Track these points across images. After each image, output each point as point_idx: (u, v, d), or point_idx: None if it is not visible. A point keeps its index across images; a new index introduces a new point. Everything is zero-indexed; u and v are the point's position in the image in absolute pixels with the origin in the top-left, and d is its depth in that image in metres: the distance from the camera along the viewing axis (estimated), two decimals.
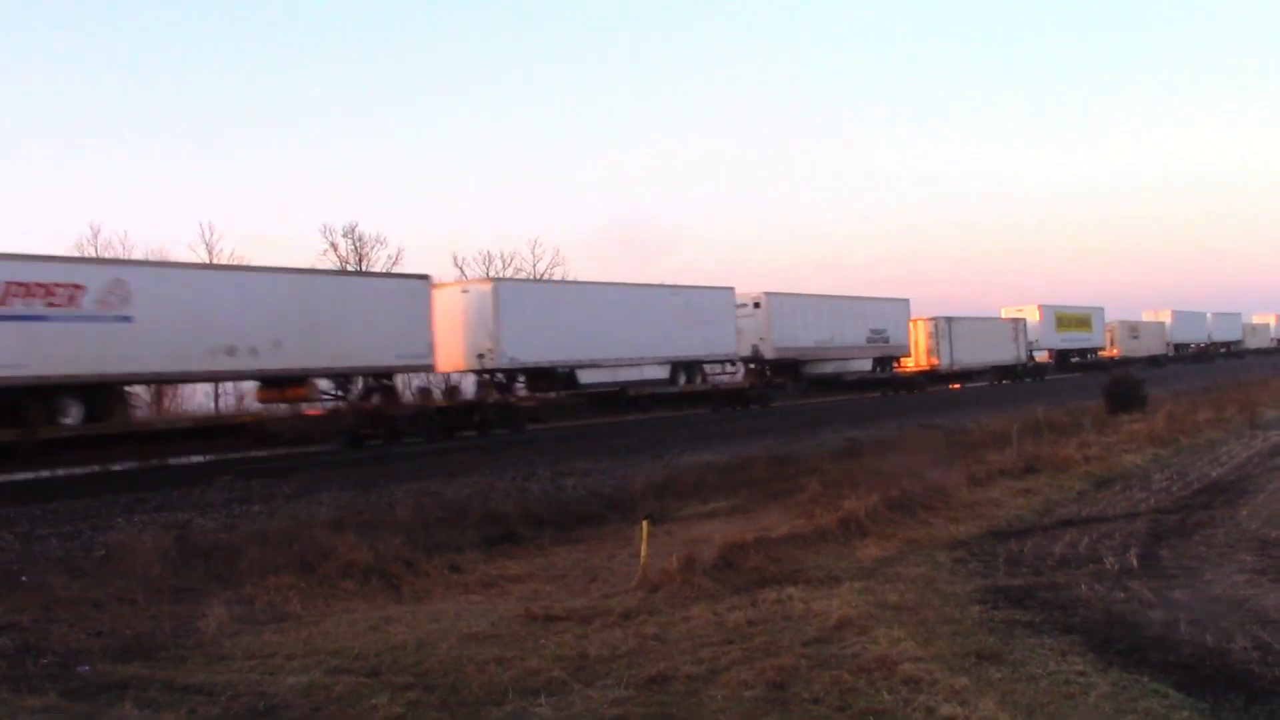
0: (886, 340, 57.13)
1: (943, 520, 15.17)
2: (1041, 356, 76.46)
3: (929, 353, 61.99)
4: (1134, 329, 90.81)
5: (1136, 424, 28.12)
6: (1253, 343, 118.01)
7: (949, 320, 63.49)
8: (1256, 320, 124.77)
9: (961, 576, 11.44)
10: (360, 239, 68.17)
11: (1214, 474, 19.42)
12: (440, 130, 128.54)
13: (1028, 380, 69.70)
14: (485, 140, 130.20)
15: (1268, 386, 41.93)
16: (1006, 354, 68.81)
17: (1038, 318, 74.82)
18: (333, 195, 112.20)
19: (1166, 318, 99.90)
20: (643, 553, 11.77)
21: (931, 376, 62.28)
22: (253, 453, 30.78)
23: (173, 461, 29.11)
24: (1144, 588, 10.39)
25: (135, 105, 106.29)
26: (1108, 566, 11.51)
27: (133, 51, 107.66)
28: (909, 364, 61.15)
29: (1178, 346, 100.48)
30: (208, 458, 30.12)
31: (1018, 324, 71.24)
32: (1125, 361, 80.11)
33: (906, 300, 59.83)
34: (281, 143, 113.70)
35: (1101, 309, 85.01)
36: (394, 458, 28.55)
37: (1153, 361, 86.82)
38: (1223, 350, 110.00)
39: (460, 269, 73.22)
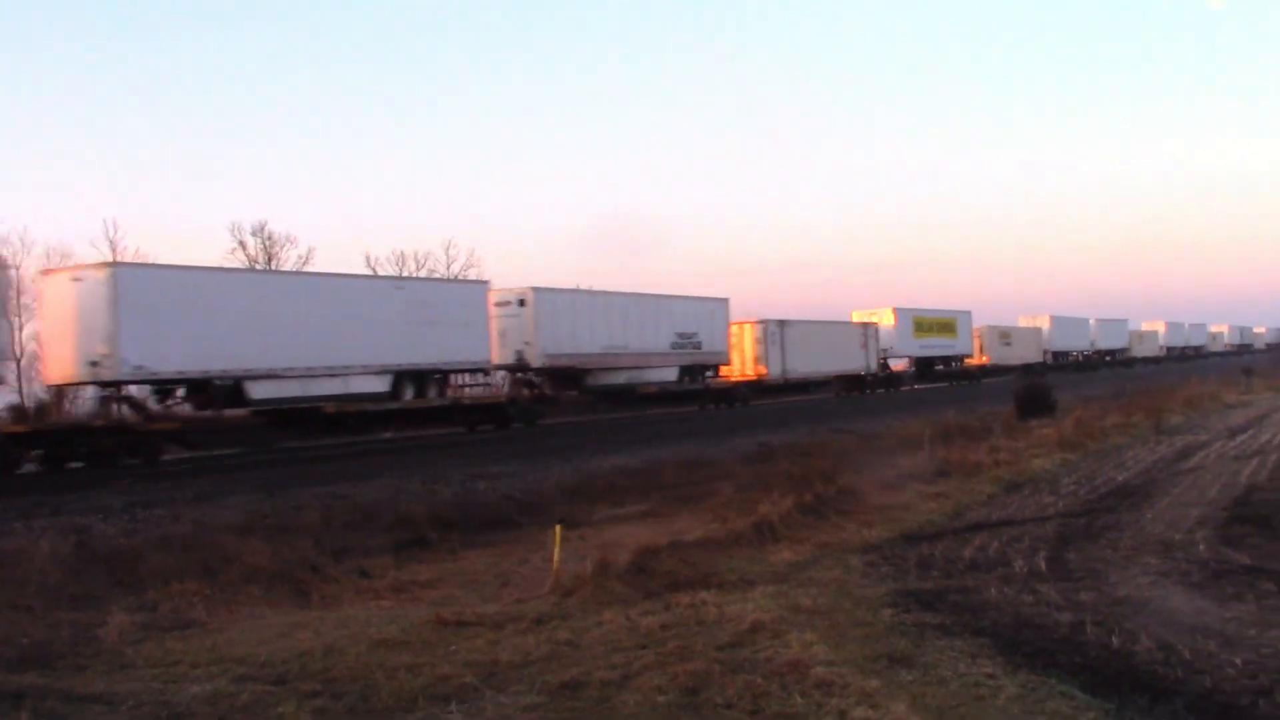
0: (698, 346, 48.69)
1: (855, 524, 15.26)
2: (899, 365, 70.35)
3: (756, 361, 54.43)
4: (1005, 335, 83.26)
5: (1046, 429, 28.56)
6: (1140, 351, 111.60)
7: (781, 324, 56.27)
8: (1145, 327, 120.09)
9: (873, 580, 11.50)
10: (270, 238, 67.14)
11: (1120, 478, 19.77)
12: (356, 127, 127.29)
13: (879, 391, 64.07)
14: (405, 136, 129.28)
15: (1174, 394, 42.85)
16: (853, 362, 62.31)
17: (892, 322, 67.83)
18: (242, 193, 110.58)
19: (1044, 323, 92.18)
20: (555, 557, 11.69)
21: (758, 388, 54.93)
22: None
23: (72, 466, 28.34)
24: (1052, 590, 10.51)
25: (33, 99, 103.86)
26: (1016, 570, 11.64)
27: (29, 43, 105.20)
28: (731, 373, 53.40)
29: (1057, 355, 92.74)
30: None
31: (868, 329, 64.71)
32: (995, 370, 77.65)
33: (725, 300, 51.84)
34: (188, 139, 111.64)
35: (968, 313, 77.87)
36: (305, 459, 28.11)
37: (1027, 370, 76.37)
38: (1107, 359, 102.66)
39: (373, 269, 72.48)
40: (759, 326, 54.76)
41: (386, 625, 10.06)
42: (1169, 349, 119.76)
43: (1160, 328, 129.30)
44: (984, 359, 78.24)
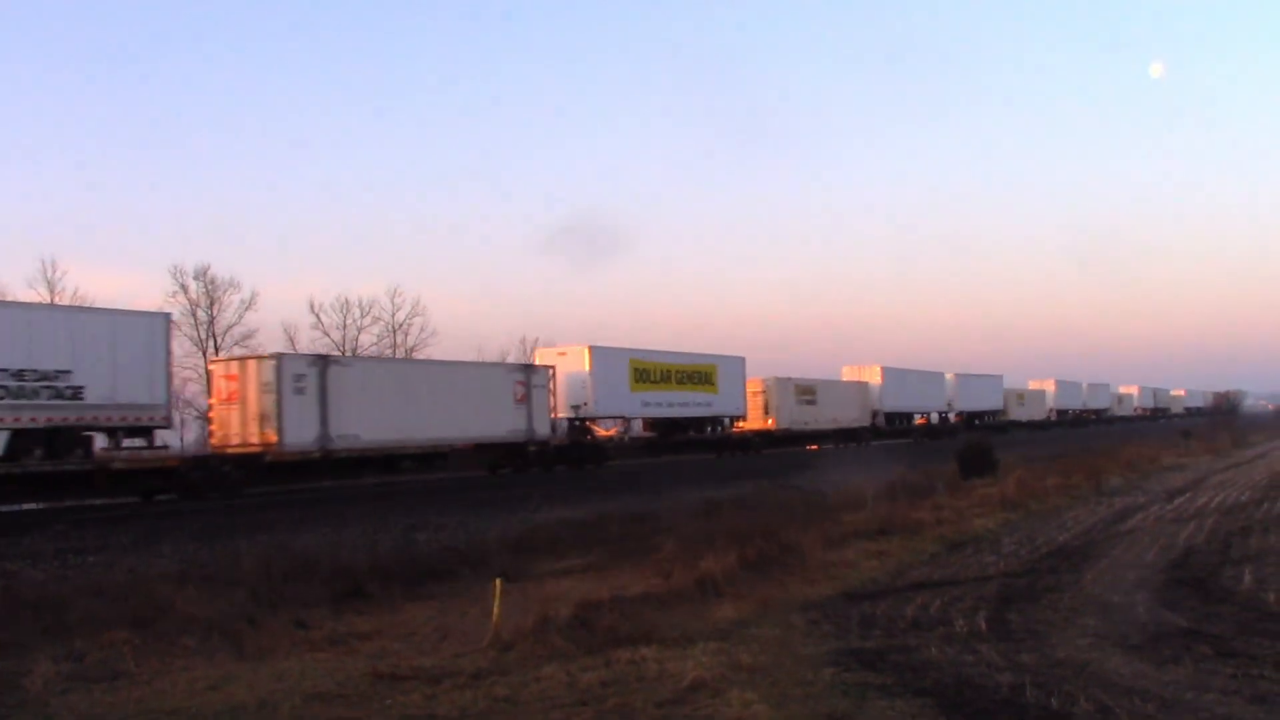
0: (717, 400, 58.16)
1: (798, 581, 15.23)
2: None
3: (765, 413, 62.55)
4: (1021, 396, 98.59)
5: (988, 488, 28.73)
6: (1119, 410, 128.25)
7: (789, 381, 65.03)
8: (1123, 390, 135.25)
9: (815, 638, 11.45)
10: (212, 282, 66.64)
11: (1061, 539, 19.89)
12: (301, 175, 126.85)
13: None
14: (351, 184, 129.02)
15: (1114, 454, 43.33)
16: (856, 416, 70.37)
17: (878, 379, 75.41)
18: (183, 235, 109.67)
19: (1051, 386, 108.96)
20: (495, 611, 11.56)
21: (768, 438, 62.12)
22: (90, 500, 29.53)
23: (2, 509, 27.80)
24: (993, 651, 10.51)
25: None
26: (958, 629, 11.64)
27: None
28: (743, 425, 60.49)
29: (1060, 412, 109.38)
30: (41, 505, 28.81)
31: (865, 387, 73.32)
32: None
33: (742, 358, 60.36)
34: (130, 179, 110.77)
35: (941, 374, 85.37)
36: (245, 508, 27.73)
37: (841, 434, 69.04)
38: (1093, 416, 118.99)
39: (317, 316, 72.07)
40: (770, 382, 62.61)
41: (322, 678, 9.90)
42: (1060, 411, 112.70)
43: (1135, 391, 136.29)
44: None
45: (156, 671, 10.39)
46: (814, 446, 66.88)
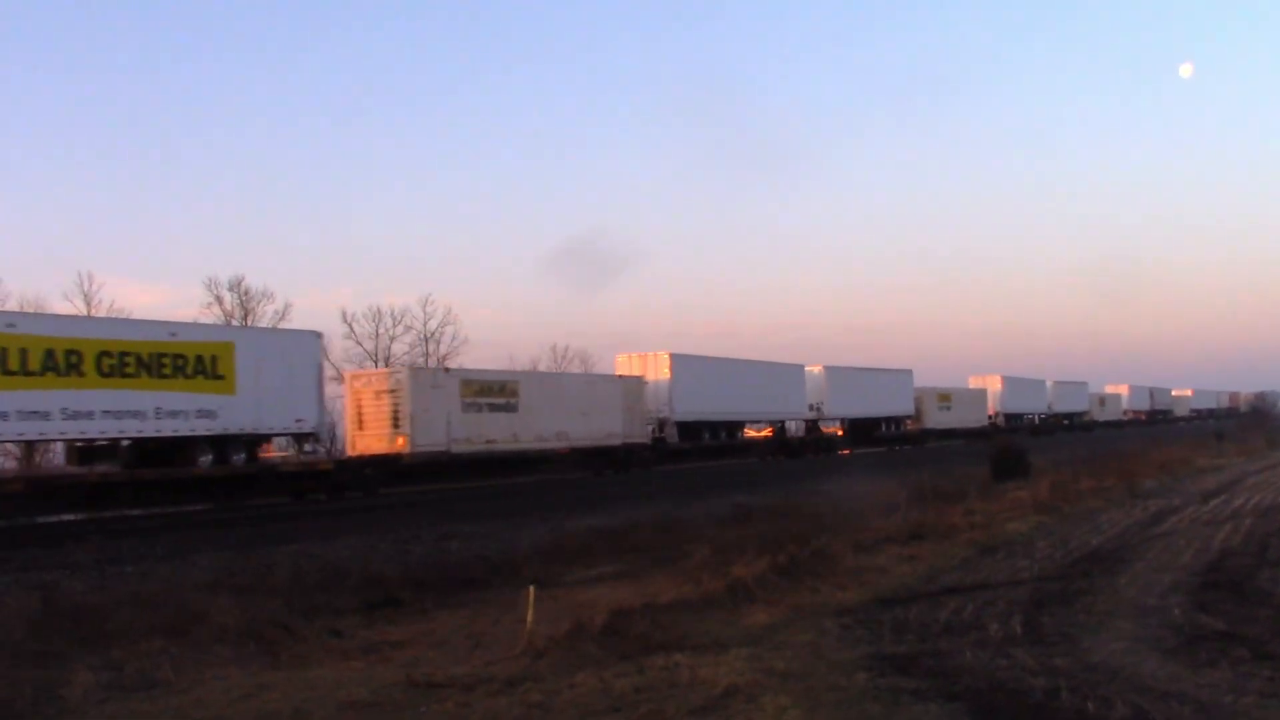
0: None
1: (830, 587, 15.19)
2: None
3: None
4: (944, 397, 77.78)
5: (1020, 492, 28.57)
6: (1102, 415, 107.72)
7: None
8: (1108, 390, 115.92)
9: (848, 643, 11.43)
10: (246, 293, 67.06)
11: (1095, 542, 19.77)
12: (334, 183, 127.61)
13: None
14: (382, 191, 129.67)
15: (1146, 457, 43.06)
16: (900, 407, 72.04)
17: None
18: (218, 247, 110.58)
19: (995, 383, 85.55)
20: (528, 618, 11.59)
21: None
22: (126, 511, 29.86)
23: (40, 519, 28.10)
24: (1027, 655, 10.46)
25: (7, 150, 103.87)
26: (991, 634, 11.59)
27: (3, 94, 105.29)
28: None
29: (1009, 417, 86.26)
30: (78, 516, 29.13)
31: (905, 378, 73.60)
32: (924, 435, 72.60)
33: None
34: (163, 192, 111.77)
35: (909, 371, 75.27)
36: (276, 517, 27.92)
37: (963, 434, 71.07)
38: (1065, 422, 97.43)
39: (350, 325, 72.43)
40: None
41: (356, 687, 9.94)
42: (1009, 415, 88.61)
43: (1124, 391, 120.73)
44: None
45: (193, 680, 10.46)
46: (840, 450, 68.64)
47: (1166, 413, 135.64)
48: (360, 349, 73.26)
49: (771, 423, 62.98)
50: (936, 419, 75.60)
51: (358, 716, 8.82)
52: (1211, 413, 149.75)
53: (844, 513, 24.23)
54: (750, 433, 61.29)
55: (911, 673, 9.84)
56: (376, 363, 68.67)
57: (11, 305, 49.90)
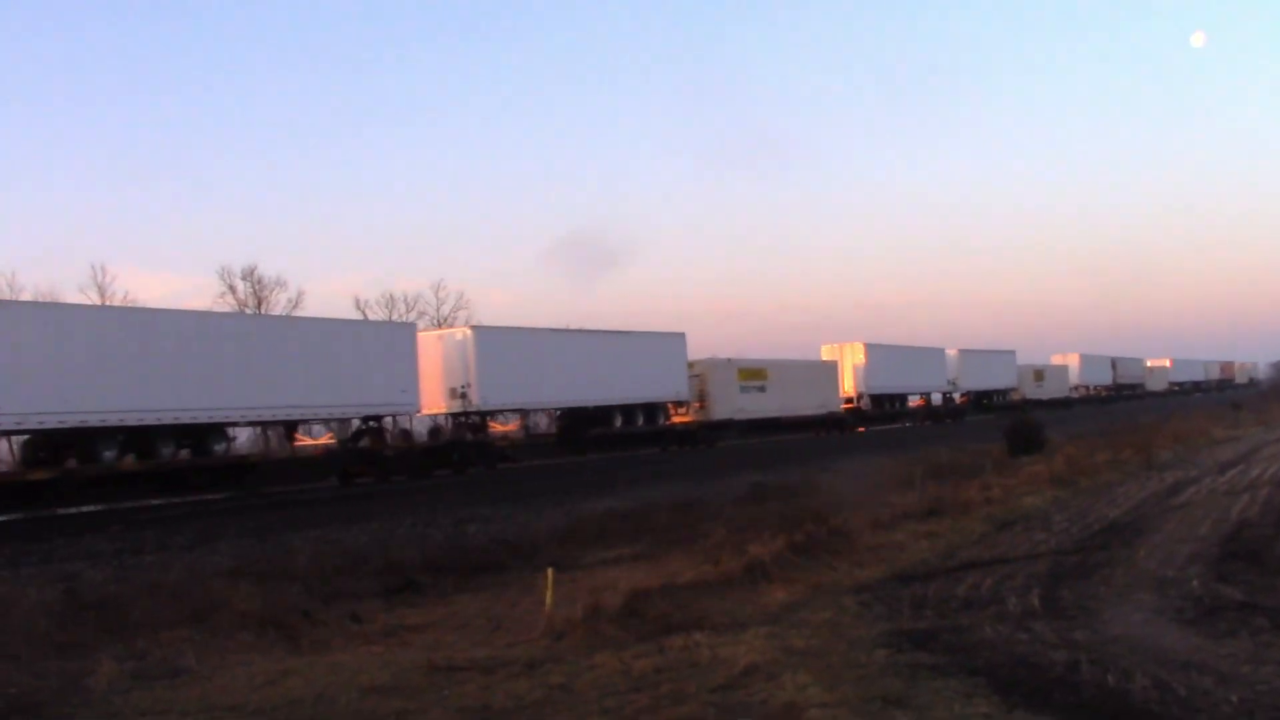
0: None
1: (847, 564, 15.21)
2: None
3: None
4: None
5: (1036, 466, 28.53)
6: (1038, 392, 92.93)
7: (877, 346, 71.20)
8: (1053, 361, 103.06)
9: (866, 620, 11.44)
10: (259, 281, 67.19)
11: (1112, 515, 19.74)
12: (344, 170, 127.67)
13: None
14: (391, 179, 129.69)
15: (1163, 429, 42.95)
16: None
17: None
18: (230, 236, 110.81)
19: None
20: (547, 601, 11.63)
21: (860, 415, 69.97)
22: (147, 501, 30.05)
23: (61, 511, 28.27)
24: (1046, 629, 10.47)
25: (20, 143, 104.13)
26: (1010, 608, 11.59)
27: (16, 86, 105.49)
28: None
29: (875, 398, 72.53)
30: (99, 506, 29.30)
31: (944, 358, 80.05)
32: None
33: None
34: (175, 181, 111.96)
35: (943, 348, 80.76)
36: (294, 503, 28.06)
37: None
38: (989, 401, 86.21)
39: (362, 312, 72.60)
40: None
41: (377, 671, 9.98)
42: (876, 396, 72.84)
43: (1074, 361, 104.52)
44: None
45: (216, 667, 10.52)
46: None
47: (1135, 387, 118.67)
48: None
49: (924, 394, 78.51)
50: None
51: (380, 700, 8.86)
52: (1197, 385, 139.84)
53: (861, 489, 24.26)
54: (911, 403, 77.53)
55: (931, 648, 9.85)
56: None
57: (26, 298, 50.05)
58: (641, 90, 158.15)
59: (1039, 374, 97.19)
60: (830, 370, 67.12)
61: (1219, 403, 71.70)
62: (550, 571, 12.06)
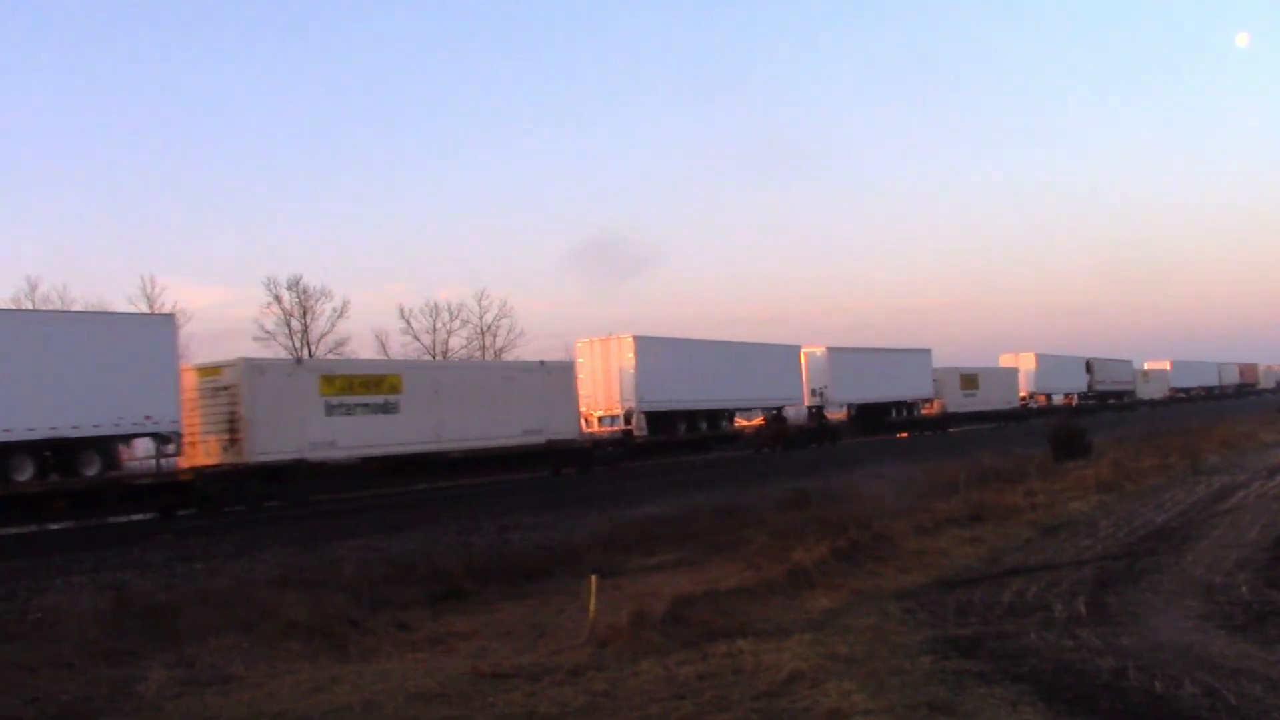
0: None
1: (891, 570, 15.16)
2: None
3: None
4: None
5: (1082, 471, 28.32)
6: (963, 403, 73.80)
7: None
8: (1002, 362, 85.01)
9: (911, 627, 11.42)
10: (305, 291, 67.77)
11: (1159, 520, 19.58)
12: (389, 182, 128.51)
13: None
14: (434, 189, 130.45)
15: (1210, 434, 42.51)
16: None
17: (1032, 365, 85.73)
18: (275, 247, 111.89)
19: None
20: (591, 608, 11.66)
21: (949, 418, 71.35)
22: (193, 510, 30.34)
23: (111, 520, 28.61)
24: (1092, 635, 10.41)
25: (71, 157, 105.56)
26: (1056, 614, 11.53)
27: (68, 101, 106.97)
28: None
29: (864, 408, 64.72)
30: (147, 516, 29.62)
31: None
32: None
33: (928, 350, 70.77)
34: (222, 194, 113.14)
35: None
36: (339, 512, 28.26)
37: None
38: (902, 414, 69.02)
39: (407, 321, 73.07)
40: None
41: (424, 678, 10.05)
42: (866, 406, 65.18)
43: (1031, 363, 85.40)
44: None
45: (265, 675, 10.63)
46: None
47: (1123, 394, 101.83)
48: (418, 343, 73.99)
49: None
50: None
51: (426, 708, 8.92)
52: (1210, 392, 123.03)
53: (904, 495, 24.16)
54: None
55: (976, 655, 9.81)
56: (434, 357, 70.03)
57: (77, 309, 50.66)
58: (660, 98, 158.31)
59: (970, 379, 74.72)
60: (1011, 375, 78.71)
61: (1228, 412, 66.03)
62: (594, 578, 12.09)
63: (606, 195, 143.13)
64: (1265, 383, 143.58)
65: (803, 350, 59.01)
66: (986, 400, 76.19)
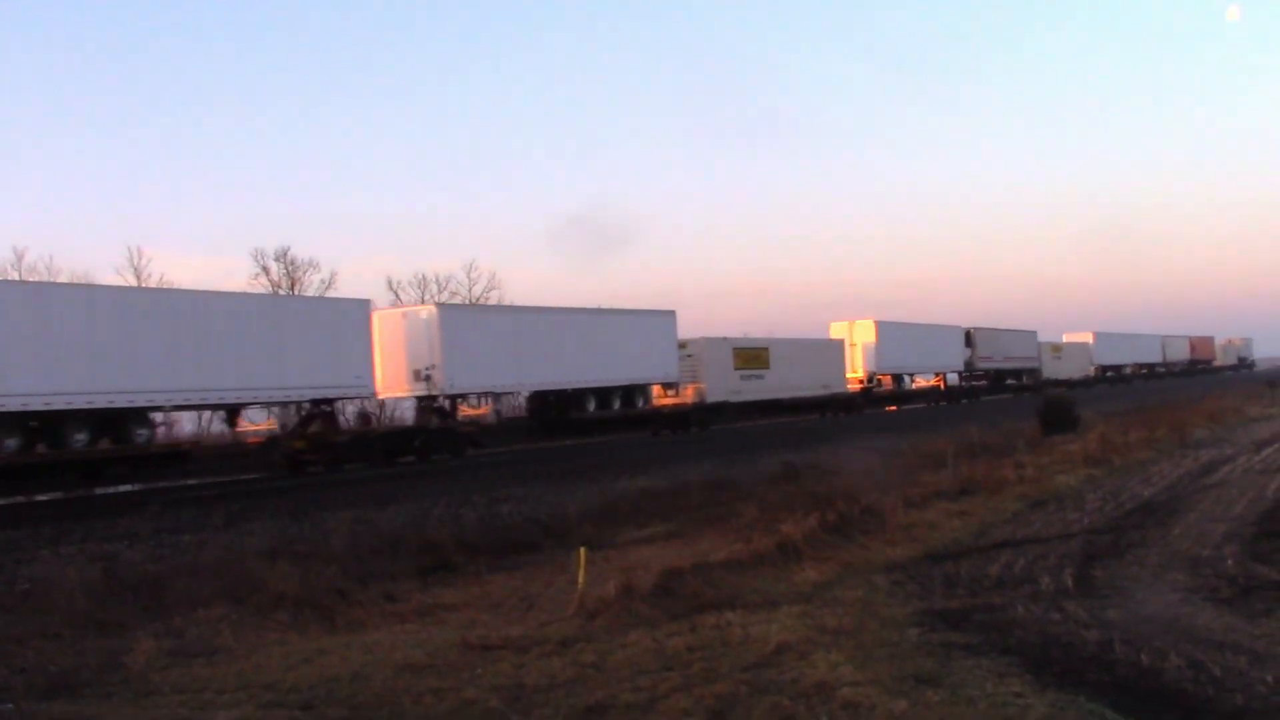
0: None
1: (879, 543, 15.20)
2: None
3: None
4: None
5: (1070, 445, 28.41)
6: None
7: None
8: (834, 334, 66.46)
9: (899, 599, 11.45)
10: (292, 263, 67.41)
11: (1146, 494, 19.65)
12: (376, 151, 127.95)
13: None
14: (422, 159, 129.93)
15: (1198, 407, 42.65)
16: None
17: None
18: (262, 218, 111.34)
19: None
20: (580, 580, 11.68)
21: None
22: (184, 481, 30.31)
23: (99, 491, 28.55)
24: (1079, 608, 10.45)
25: (58, 126, 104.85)
26: (1043, 587, 11.58)
27: (55, 72, 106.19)
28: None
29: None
30: (136, 486, 29.57)
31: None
32: None
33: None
34: (209, 165, 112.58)
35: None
36: (330, 484, 28.26)
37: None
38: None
39: (395, 293, 72.78)
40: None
41: (412, 649, 10.07)
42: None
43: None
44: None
45: (253, 646, 10.63)
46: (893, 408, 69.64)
47: (1024, 373, 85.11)
48: None
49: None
50: None
51: (414, 678, 8.93)
52: (1150, 370, 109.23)
53: (893, 468, 24.22)
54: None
55: (964, 628, 9.85)
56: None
57: (63, 280, 50.48)
58: (650, 73, 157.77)
59: (752, 355, 56.12)
60: (835, 349, 62.61)
61: (1157, 393, 64.10)
62: (583, 551, 12.11)
63: (595, 172, 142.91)
64: (1224, 359, 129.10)
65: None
66: (785, 383, 57.21)
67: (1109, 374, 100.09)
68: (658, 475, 27.02)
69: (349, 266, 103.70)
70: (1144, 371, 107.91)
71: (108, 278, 56.97)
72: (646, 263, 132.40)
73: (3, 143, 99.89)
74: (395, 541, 16.78)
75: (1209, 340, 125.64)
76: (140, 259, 60.74)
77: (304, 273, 67.84)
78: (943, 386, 76.91)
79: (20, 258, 57.20)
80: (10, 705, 8.72)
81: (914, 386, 75.30)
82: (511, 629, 10.80)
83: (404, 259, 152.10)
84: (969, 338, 77.31)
